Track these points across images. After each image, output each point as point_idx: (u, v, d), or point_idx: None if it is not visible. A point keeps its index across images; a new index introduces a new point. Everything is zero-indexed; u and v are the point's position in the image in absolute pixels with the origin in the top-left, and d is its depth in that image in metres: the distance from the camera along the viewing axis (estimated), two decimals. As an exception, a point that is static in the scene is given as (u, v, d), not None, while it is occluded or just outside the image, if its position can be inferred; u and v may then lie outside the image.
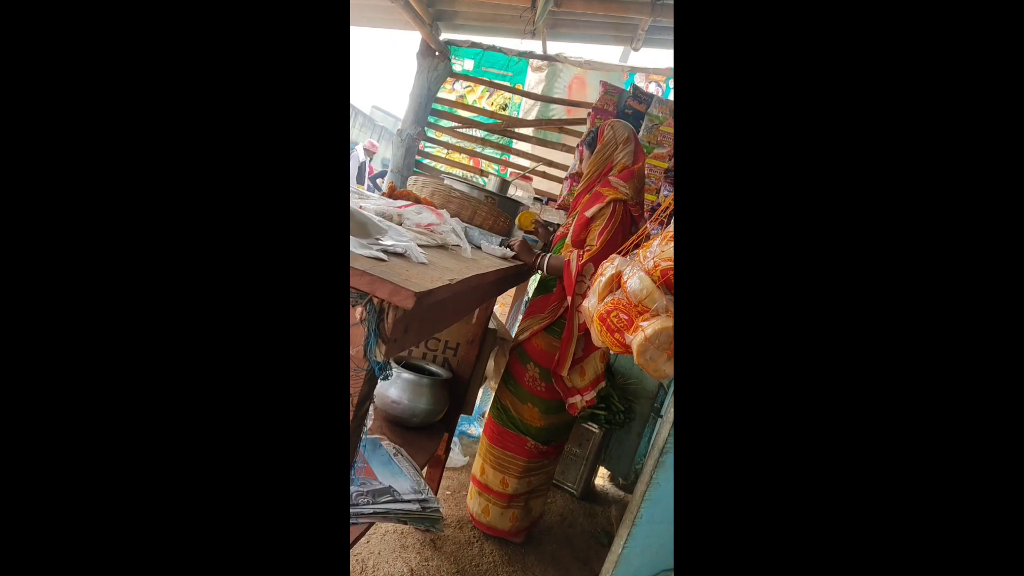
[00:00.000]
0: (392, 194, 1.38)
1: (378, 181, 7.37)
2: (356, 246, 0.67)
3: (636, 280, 1.06)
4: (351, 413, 0.63)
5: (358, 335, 0.60)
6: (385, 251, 0.72)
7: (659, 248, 1.09)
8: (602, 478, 2.53)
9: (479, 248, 1.42)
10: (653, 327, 1.00)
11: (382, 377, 0.64)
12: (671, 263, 1.03)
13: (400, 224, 1.03)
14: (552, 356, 1.68)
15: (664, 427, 1.13)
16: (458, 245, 1.07)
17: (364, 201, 1.13)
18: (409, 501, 1.12)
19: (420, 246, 0.85)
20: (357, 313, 0.59)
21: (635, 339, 1.02)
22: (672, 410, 1.12)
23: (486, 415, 1.85)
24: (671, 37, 2.79)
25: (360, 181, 7.09)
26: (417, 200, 1.34)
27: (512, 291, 2.78)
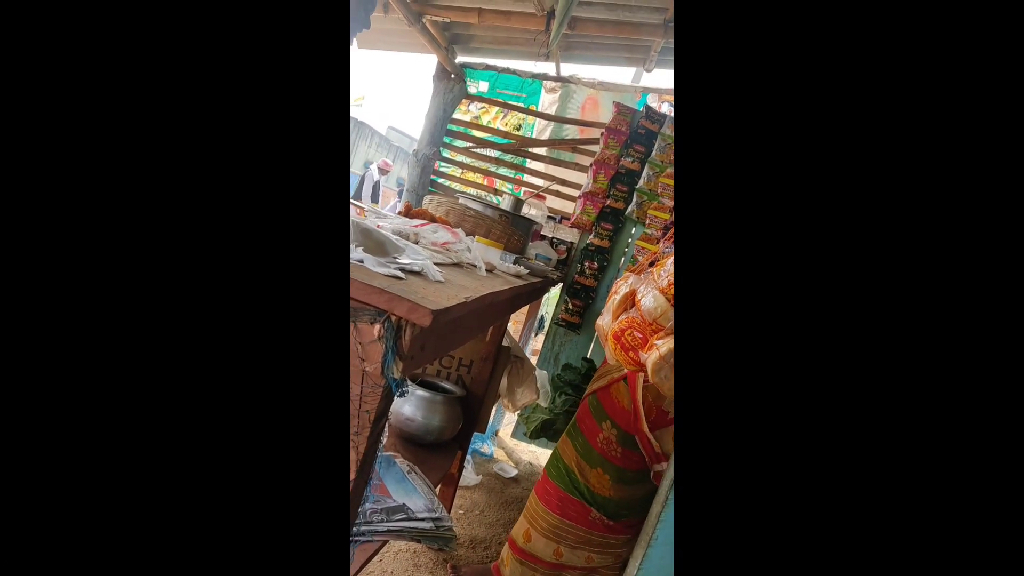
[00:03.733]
0: (408, 213, 1.41)
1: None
2: (374, 264, 0.68)
3: (650, 298, 1.06)
4: (368, 430, 0.64)
5: (376, 352, 0.61)
6: (402, 269, 0.73)
7: (673, 267, 1.09)
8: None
9: (494, 266, 1.43)
10: (667, 345, 1.00)
11: (399, 394, 0.65)
12: (685, 282, 1.03)
13: (416, 243, 1.05)
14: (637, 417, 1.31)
15: (679, 447, 1.11)
16: (474, 264, 1.09)
17: (381, 220, 1.15)
18: (423, 519, 1.12)
19: (436, 264, 0.86)
20: (375, 331, 0.60)
21: (649, 357, 1.02)
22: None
23: (542, 473, 1.51)
24: (684, 58, 2.80)
25: (375, 200, 7.17)
26: (433, 219, 1.36)
27: (526, 309, 2.78)
